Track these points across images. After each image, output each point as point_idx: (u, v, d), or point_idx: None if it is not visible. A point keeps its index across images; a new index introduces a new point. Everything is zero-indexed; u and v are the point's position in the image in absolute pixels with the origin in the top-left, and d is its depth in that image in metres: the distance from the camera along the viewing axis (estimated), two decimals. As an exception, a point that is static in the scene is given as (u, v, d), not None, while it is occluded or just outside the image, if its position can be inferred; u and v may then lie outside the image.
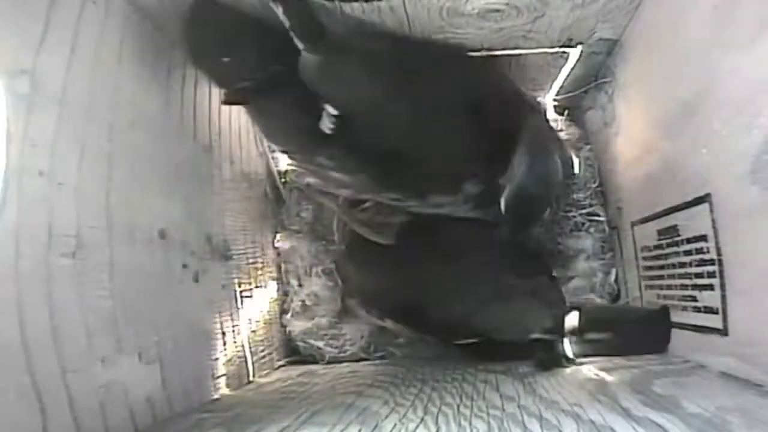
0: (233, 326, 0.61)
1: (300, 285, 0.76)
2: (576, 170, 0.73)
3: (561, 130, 0.76)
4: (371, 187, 0.60)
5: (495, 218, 0.57)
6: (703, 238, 0.46)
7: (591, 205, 0.73)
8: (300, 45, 0.49)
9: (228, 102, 0.55)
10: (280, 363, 0.73)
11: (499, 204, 0.55)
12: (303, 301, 0.75)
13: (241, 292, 0.65)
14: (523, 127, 0.55)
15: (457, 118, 0.56)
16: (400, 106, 0.53)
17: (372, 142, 0.54)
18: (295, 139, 0.59)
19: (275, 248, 0.76)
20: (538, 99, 0.67)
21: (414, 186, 0.58)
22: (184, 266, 0.53)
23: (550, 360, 0.57)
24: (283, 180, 0.78)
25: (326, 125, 0.52)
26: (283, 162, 0.76)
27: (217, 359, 0.57)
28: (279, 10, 0.46)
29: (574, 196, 0.73)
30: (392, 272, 0.67)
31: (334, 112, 0.52)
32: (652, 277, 0.59)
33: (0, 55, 0.35)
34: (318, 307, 0.75)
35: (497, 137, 0.55)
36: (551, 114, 0.76)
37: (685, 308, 0.51)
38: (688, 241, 0.50)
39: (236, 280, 0.64)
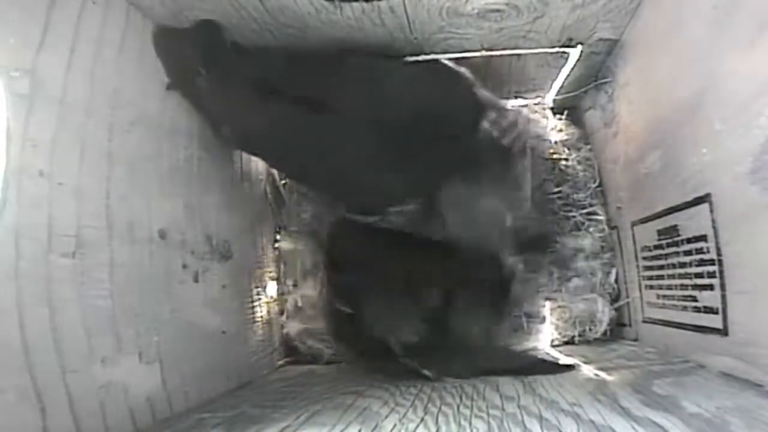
0: (233, 326, 0.61)
1: (295, 285, 0.76)
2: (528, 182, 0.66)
3: (560, 130, 0.76)
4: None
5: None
6: (703, 238, 0.46)
7: (591, 205, 0.73)
8: (200, 67, 0.54)
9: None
10: (280, 363, 0.73)
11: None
12: (296, 302, 0.75)
13: (240, 292, 0.65)
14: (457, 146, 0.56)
15: (366, 137, 0.56)
16: (291, 127, 0.56)
17: (279, 156, 0.60)
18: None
19: (275, 248, 0.77)
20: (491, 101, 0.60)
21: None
22: (184, 266, 0.53)
23: None
24: (283, 180, 0.78)
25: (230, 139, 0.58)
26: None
27: (217, 359, 0.57)
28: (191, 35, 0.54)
29: (575, 196, 0.73)
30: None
31: (227, 133, 0.57)
32: (652, 277, 0.59)
33: (0, 55, 0.35)
34: (309, 309, 0.74)
35: (428, 154, 0.55)
36: (549, 114, 0.77)
37: (685, 308, 0.51)
38: (688, 241, 0.49)
39: (236, 280, 0.64)
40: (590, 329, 0.70)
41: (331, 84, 0.57)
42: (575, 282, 0.71)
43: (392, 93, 0.57)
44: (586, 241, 0.72)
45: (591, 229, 0.72)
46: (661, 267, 0.56)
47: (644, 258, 0.61)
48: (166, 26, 0.53)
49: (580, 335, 0.70)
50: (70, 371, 0.37)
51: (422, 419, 0.41)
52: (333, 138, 0.56)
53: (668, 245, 0.54)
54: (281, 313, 0.75)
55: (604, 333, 0.70)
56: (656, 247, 0.57)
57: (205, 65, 0.55)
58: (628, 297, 0.68)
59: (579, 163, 0.75)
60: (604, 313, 0.69)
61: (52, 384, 0.36)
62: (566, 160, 0.74)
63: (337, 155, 0.56)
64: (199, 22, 0.54)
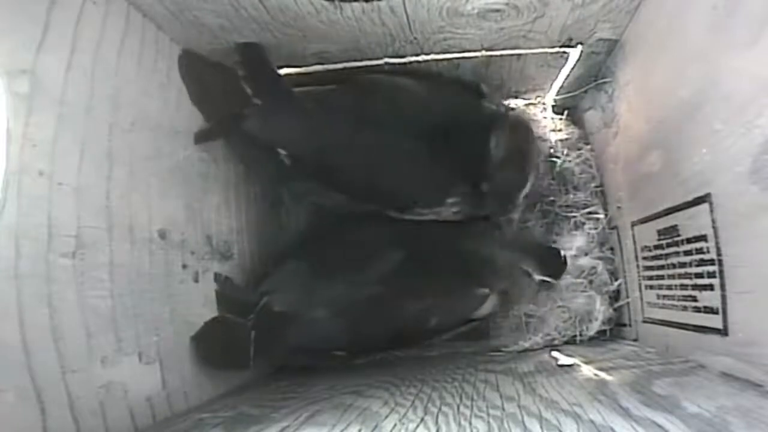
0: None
1: None
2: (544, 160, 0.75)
3: (560, 130, 0.76)
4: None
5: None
6: (703, 238, 0.46)
7: (591, 205, 0.73)
8: (250, 92, 0.56)
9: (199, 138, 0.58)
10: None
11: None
12: None
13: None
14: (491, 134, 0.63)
15: (412, 145, 0.61)
16: (346, 143, 0.61)
17: (329, 173, 0.62)
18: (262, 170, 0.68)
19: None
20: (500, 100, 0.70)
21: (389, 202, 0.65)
22: (184, 266, 0.53)
23: None
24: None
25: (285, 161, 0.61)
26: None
27: (217, 359, 0.57)
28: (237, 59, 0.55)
29: (574, 196, 0.73)
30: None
31: (284, 152, 0.60)
32: (652, 277, 0.59)
33: (0, 55, 0.35)
34: None
35: (467, 152, 0.61)
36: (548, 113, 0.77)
37: (685, 308, 0.51)
38: (688, 241, 0.49)
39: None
40: (586, 328, 0.70)
41: (372, 104, 0.62)
42: (573, 281, 0.71)
43: (424, 107, 0.63)
44: (587, 242, 0.72)
45: (591, 230, 0.72)
46: (661, 267, 0.56)
47: (644, 258, 0.61)
48: (202, 58, 0.56)
49: (580, 334, 0.70)
50: (70, 371, 0.37)
51: (422, 419, 0.41)
52: (381, 149, 0.62)
53: (668, 245, 0.54)
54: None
55: (603, 332, 0.70)
56: (656, 247, 0.57)
57: (258, 96, 0.56)
58: (628, 297, 0.68)
59: (579, 163, 0.75)
60: (599, 311, 0.69)
61: (52, 384, 0.36)
62: (566, 160, 0.74)
63: (384, 163, 0.62)
64: (241, 46, 0.55)
